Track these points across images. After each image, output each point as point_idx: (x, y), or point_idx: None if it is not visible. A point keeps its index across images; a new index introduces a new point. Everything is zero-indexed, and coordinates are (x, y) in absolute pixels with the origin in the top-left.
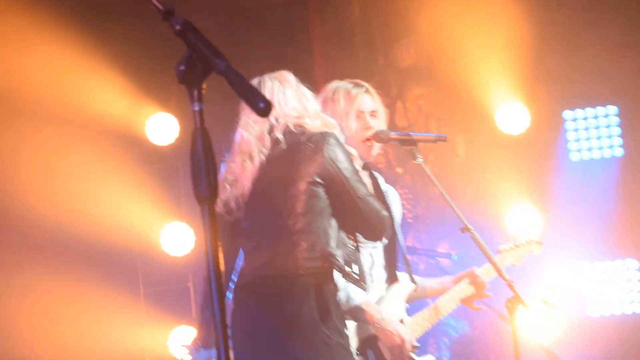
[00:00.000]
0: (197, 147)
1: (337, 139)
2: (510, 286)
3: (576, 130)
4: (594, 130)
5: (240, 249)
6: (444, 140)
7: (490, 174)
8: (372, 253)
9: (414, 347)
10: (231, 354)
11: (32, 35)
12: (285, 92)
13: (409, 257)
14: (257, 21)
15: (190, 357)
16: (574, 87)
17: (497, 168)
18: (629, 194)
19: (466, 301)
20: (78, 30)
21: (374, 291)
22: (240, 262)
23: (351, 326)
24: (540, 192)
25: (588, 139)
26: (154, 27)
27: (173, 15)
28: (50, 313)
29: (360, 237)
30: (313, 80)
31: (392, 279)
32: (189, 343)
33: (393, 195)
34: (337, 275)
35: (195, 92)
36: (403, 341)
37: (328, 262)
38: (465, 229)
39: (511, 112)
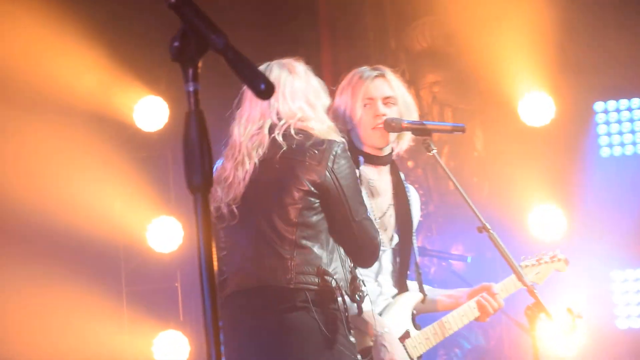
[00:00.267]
0: (190, 130)
1: (345, 150)
2: (532, 292)
3: (607, 123)
4: (627, 123)
5: (224, 256)
6: (462, 130)
7: (511, 169)
8: (380, 257)
9: None
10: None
11: (5, 10)
12: (294, 84)
13: (419, 262)
14: None
15: None
16: (606, 76)
17: (519, 163)
18: None
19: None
20: (58, 5)
21: (382, 297)
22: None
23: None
24: (565, 191)
25: (620, 133)
26: (142, 1)
27: None
28: (21, 312)
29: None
30: (317, 63)
31: (401, 286)
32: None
33: (414, 196)
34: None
35: (190, 71)
36: None
37: (323, 281)
38: (482, 229)
39: (535, 102)
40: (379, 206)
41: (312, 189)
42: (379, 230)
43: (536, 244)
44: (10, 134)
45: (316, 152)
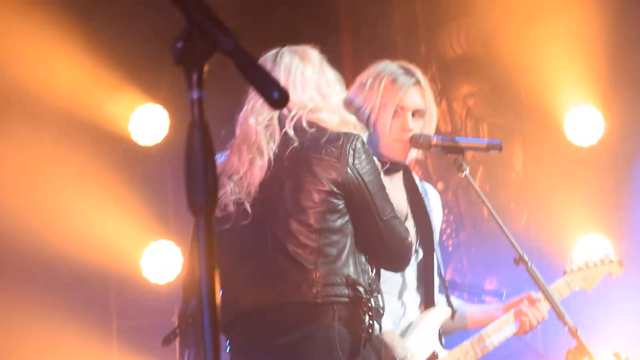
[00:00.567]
0: (194, 143)
1: (364, 144)
2: (574, 333)
3: None
4: None
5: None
6: (499, 148)
7: (553, 194)
8: (403, 273)
9: None
10: None
11: None
12: (305, 73)
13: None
14: None
15: None
16: None
17: (563, 187)
18: None
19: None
20: (49, 5)
21: (405, 319)
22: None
23: None
24: (615, 220)
25: None
26: (144, 2)
27: None
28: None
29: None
30: (338, 66)
31: (428, 303)
32: None
33: (433, 197)
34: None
35: (195, 76)
36: None
37: (354, 291)
38: (519, 260)
39: (583, 118)
40: None
41: (334, 188)
42: None
43: None
44: None
45: (333, 148)
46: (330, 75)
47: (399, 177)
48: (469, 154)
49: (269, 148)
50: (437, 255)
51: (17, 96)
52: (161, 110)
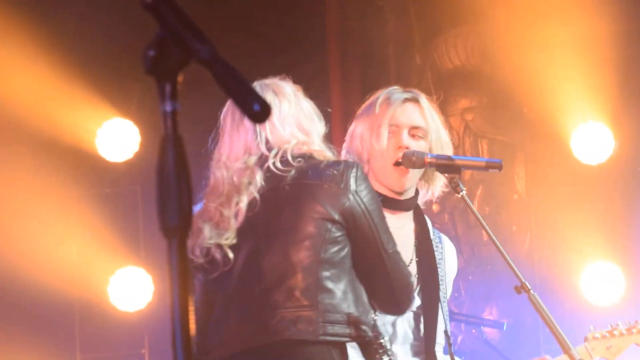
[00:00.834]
0: (166, 159)
1: (364, 172)
2: None
3: None
4: None
5: (217, 312)
6: (499, 167)
7: (559, 217)
8: (395, 322)
9: None
10: None
11: None
12: (282, 108)
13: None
14: None
15: None
16: None
17: (569, 210)
18: None
19: None
20: (13, 16)
21: None
22: (214, 330)
23: None
24: (626, 246)
25: None
26: (112, 4)
27: None
28: None
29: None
30: (324, 80)
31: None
32: None
33: (448, 249)
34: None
35: (168, 87)
36: None
37: (357, 331)
38: (521, 288)
39: (591, 136)
40: None
41: (336, 216)
42: None
43: (589, 309)
44: None
45: (335, 172)
46: (308, 106)
47: (408, 217)
48: (466, 173)
49: (248, 190)
50: (444, 311)
51: None
52: (131, 125)
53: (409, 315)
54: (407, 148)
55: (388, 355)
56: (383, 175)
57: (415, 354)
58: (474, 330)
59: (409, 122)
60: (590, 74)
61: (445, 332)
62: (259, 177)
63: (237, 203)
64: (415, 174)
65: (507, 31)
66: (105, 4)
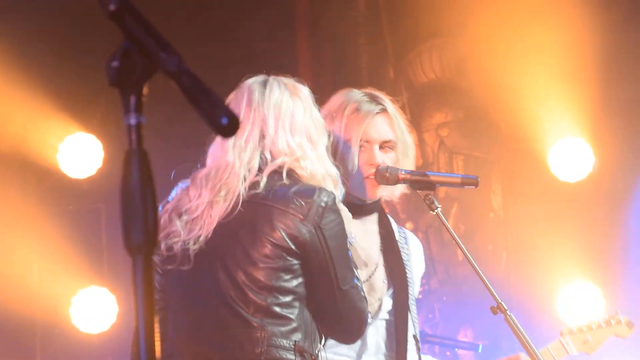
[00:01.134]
0: (131, 175)
1: (335, 203)
2: None
3: None
4: None
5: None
6: (475, 184)
7: (536, 235)
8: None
9: None
10: None
11: None
12: (295, 114)
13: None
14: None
15: None
16: None
17: (547, 228)
18: None
19: None
20: None
21: None
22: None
23: None
24: (605, 265)
25: None
26: (74, 15)
27: None
28: None
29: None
30: None
31: None
32: None
33: (414, 246)
34: None
35: (133, 99)
36: None
37: (302, 359)
38: (497, 309)
39: (570, 151)
40: (363, 266)
41: (292, 246)
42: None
43: None
44: None
45: (302, 202)
46: (318, 118)
47: (372, 220)
48: (441, 190)
49: (239, 192)
50: (412, 313)
51: None
52: (94, 139)
53: (378, 324)
54: (378, 164)
55: None
56: (353, 187)
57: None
58: (448, 353)
59: (380, 137)
60: (569, 87)
61: (414, 336)
62: (248, 182)
63: (225, 202)
64: (388, 189)
65: (483, 44)
66: (68, 14)
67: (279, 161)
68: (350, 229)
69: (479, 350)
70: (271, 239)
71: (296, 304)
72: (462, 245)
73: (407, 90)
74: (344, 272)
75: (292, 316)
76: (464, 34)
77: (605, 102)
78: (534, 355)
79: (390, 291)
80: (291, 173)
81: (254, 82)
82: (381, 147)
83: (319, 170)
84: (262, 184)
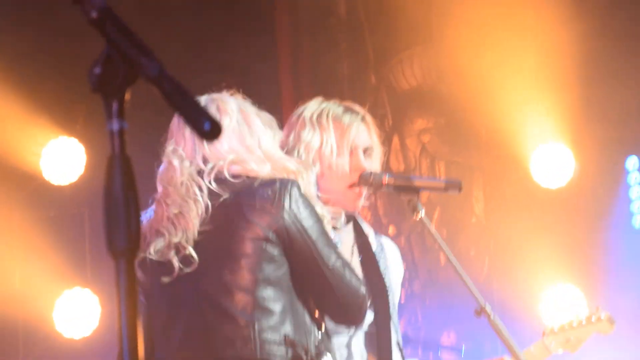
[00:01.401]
0: (113, 180)
1: (299, 188)
2: None
3: None
4: None
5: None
6: (458, 188)
7: (518, 240)
8: (349, 343)
9: None
10: None
11: None
12: (223, 123)
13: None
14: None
15: None
16: None
17: (529, 233)
18: None
19: None
20: None
21: None
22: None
23: None
24: (587, 270)
25: None
26: (56, 21)
27: None
28: None
29: (329, 322)
30: (276, 99)
31: None
32: None
33: (391, 253)
34: None
35: (115, 105)
36: None
37: (294, 352)
38: (481, 312)
39: (551, 157)
40: None
41: (270, 235)
42: None
43: None
44: None
45: (268, 192)
46: (256, 123)
47: (348, 231)
48: (424, 196)
49: (202, 197)
50: (394, 321)
51: None
52: (77, 144)
53: (361, 335)
54: (364, 170)
55: None
56: (336, 197)
57: None
58: (431, 355)
59: (364, 143)
60: (550, 93)
61: (398, 343)
62: (205, 190)
63: (194, 208)
64: (365, 193)
65: (463, 51)
66: (50, 20)
67: (210, 167)
68: None
69: (462, 354)
70: (249, 234)
71: (284, 295)
72: (446, 249)
73: (389, 97)
74: (326, 250)
75: (280, 308)
76: (445, 42)
77: (586, 108)
78: (518, 357)
79: (369, 302)
80: (240, 175)
81: None
82: (365, 153)
83: (264, 168)
84: (221, 189)
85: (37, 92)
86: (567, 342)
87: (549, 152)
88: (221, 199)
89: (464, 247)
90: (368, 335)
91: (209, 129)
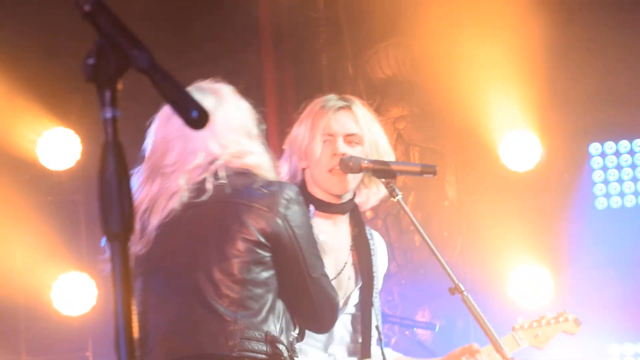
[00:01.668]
0: (107, 165)
1: (298, 195)
2: None
3: (605, 169)
4: (627, 169)
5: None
6: (433, 172)
7: (488, 222)
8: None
9: None
10: None
11: None
12: (228, 112)
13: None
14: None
15: None
16: (604, 113)
17: (498, 215)
18: None
19: None
20: None
21: None
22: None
23: None
24: (553, 249)
25: (620, 181)
26: (51, 14)
27: None
28: None
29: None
30: (260, 90)
31: (364, 355)
32: None
33: (379, 245)
34: None
35: (108, 94)
36: None
37: (273, 349)
38: (455, 290)
39: (519, 143)
40: (331, 265)
41: (262, 239)
42: None
43: (518, 310)
44: None
45: (266, 194)
46: (247, 107)
47: (344, 220)
48: (399, 180)
49: (206, 185)
50: (376, 307)
51: None
52: (72, 134)
53: (345, 318)
54: (343, 155)
55: None
56: (322, 181)
57: (350, 354)
58: (407, 332)
59: (343, 130)
60: (518, 82)
61: (377, 327)
62: (199, 180)
63: (173, 198)
64: (355, 177)
65: (436, 42)
66: (45, 12)
67: (219, 161)
68: (321, 228)
69: (436, 330)
70: (242, 235)
71: (268, 295)
72: (422, 230)
73: (366, 86)
74: (313, 260)
75: (264, 308)
76: (418, 34)
77: (552, 97)
78: (488, 332)
79: (359, 286)
80: (244, 169)
81: None
82: (347, 141)
83: (264, 160)
84: (222, 185)
85: (34, 85)
86: (535, 338)
87: (516, 138)
88: (220, 193)
89: (437, 228)
90: (354, 316)
91: (196, 117)
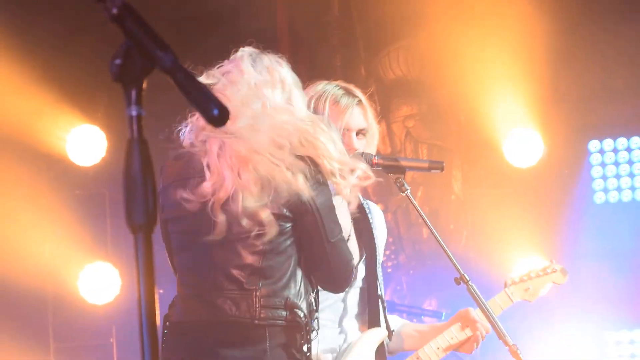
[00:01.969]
0: (132, 161)
1: (317, 167)
2: (515, 353)
3: (603, 165)
4: (625, 165)
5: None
6: (441, 168)
7: (492, 216)
8: (345, 298)
9: None
10: None
11: None
12: (298, 87)
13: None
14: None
15: None
16: (602, 112)
17: (502, 209)
18: None
19: (460, 347)
20: None
21: (345, 345)
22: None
23: None
24: (553, 242)
25: (617, 176)
26: (79, 16)
27: None
28: None
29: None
30: None
31: (373, 325)
32: None
33: (377, 215)
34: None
35: (134, 93)
36: None
37: (292, 315)
38: (460, 280)
39: (522, 140)
40: None
41: (285, 211)
42: None
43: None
44: None
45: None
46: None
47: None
48: (408, 176)
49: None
50: (379, 277)
51: None
52: (98, 131)
53: (355, 292)
54: (356, 150)
55: (307, 339)
56: None
57: (362, 324)
58: (414, 320)
59: (357, 125)
60: (521, 83)
61: (380, 296)
62: None
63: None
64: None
65: (443, 44)
66: (75, 15)
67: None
68: None
69: (443, 318)
70: (265, 205)
71: (288, 262)
72: (429, 223)
73: (377, 86)
74: (331, 226)
75: (284, 275)
76: (427, 37)
77: (554, 96)
78: (492, 320)
79: (363, 258)
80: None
81: (241, 54)
82: (358, 135)
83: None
84: None
85: (62, 84)
86: (526, 292)
87: (520, 135)
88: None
89: (444, 222)
90: (361, 290)
91: (217, 114)
